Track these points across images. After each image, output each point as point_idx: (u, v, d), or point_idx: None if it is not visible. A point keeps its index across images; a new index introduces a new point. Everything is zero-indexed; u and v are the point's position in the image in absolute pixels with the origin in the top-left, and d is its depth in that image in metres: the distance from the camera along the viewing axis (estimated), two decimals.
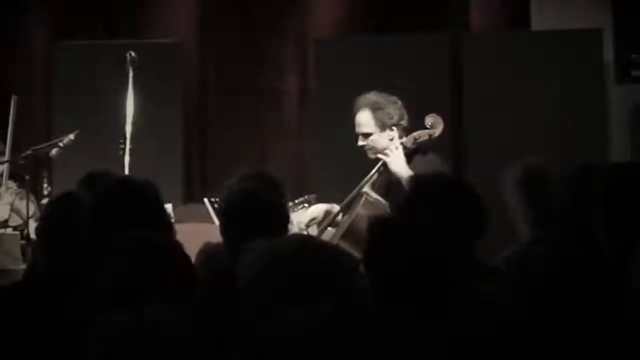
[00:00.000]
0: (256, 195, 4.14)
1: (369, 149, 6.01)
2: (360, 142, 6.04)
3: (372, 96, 6.05)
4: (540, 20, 8.25)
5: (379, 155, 5.94)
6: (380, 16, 8.46)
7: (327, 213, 6.12)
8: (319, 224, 6.11)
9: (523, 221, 4.70)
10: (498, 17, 8.42)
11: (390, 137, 5.99)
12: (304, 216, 6.05)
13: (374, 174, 5.98)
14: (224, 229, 4.12)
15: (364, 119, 6.02)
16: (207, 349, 2.22)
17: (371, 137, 6.00)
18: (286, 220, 4.32)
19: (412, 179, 5.47)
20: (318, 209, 6.13)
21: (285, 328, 1.80)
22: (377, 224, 3.21)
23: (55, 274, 3.70)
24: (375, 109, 6.00)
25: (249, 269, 2.46)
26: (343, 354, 1.75)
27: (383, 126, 5.99)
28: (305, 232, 5.99)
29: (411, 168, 5.82)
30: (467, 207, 3.72)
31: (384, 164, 5.91)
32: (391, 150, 5.89)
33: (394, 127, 6.00)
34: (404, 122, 6.03)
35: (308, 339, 1.76)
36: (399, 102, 6.05)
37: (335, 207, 6.14)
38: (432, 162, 5.89)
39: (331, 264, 2.44)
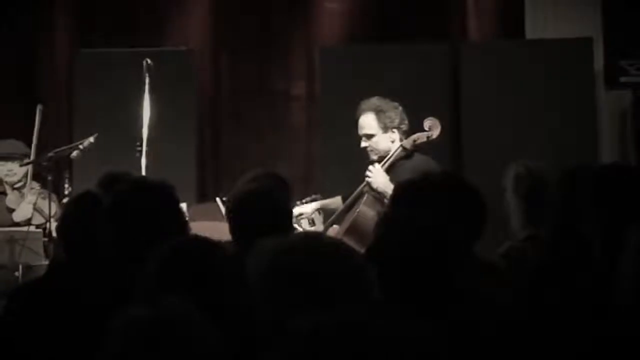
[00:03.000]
0: (264, 195, 4.13)
1: (371, 150, 6.04)
2: (363, 144, 6.06)
3: (375, 100, 6.08)
4: (534, 29, 8.25)
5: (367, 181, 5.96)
6: (382, 26, 8.47)
7: (319, 210, 6.15)
8: (310, 220, 6.14)
9: (518, 219, 4.70)
10: (494, 27, 8.42)
11: (392, 139, 6.02)
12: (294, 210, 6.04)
13: (362, 188, 5.99)
14: (233, 227, 4.10)
15: (367, 122, 6.05)
16: (219, 342, 2.22)
17: (373, 139, 6.03)
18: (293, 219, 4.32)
19: (410, 179, 5.49)
20: (310, 207, 6.17)
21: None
22: (381, 221, 3.20)
23: (73, 271, 3.70)
24: (378, 112, 6.02)
25: (258, 268, 2.44)
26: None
27: (385, 128, 6.01)
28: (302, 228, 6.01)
29: (408, 168, 5.83)
30: (467, 205, 3.70)
31: (368, 184, 5.93)
32: (370, 171, 5.92)
33: (395, 130, 6.02)
34: (404, 126, 6.05)
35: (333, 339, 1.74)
36: (400, 107, 6.08)
37: (333, 202, 6.17)
38: (429, 163, 5.90)
39: (341, 262, 2.42)
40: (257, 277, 2.42)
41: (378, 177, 5.89)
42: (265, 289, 2.38)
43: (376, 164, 5.95)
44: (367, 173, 5.95)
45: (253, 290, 2.42)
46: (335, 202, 6.27)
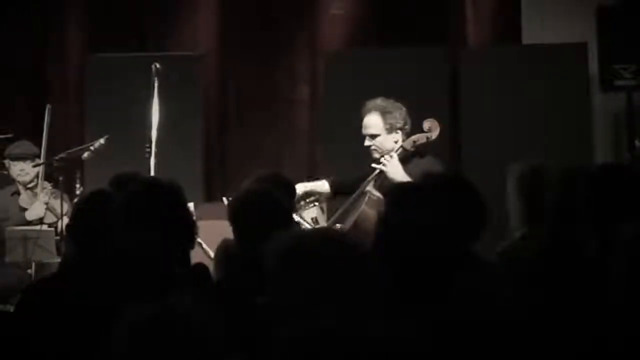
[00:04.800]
0: (264, 196, 4.11)
1: (374, 150, 6.03)
2: (367, 143, 6.05)
3: (381, 101, 6.07)
4: (531, 34, 8.26)
5: (375, 165, 5.95)
6: (384, 31, 8.47)
7: (308, 194, 6.12)
8: (305, 201, 6.11)
9: (516, 217, 4.69)
10: (492, 32, 8.43)
11: (395, 140, 6.02)
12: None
13: (372, 178, 5.98)
14: (235, 228, 4.07)
15: (373, 121, 6.03)
16: (222, 336, 2.21)
17: (378, 139, 6.02)
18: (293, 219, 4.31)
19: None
20: (299, 187, 6.02)
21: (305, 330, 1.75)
22: (381, 221, 3.18)
23: (84, 269, 3.70)
24: (384, 112, 6.02)
25: (273, 256, 2.39)
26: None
27: (390, 129, 6.01)
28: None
29: (410, 169, 5.83)
30: (468, 206, 3.68)
31: (381, 172, 5.92)
32: (387, 160, 5.91)
33: (399, 131, 6.02)
34: (407, 127, 6.05)
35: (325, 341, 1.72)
36: (404, 109, 6.07)
37: (319, 185, 6.15)
38: (430, 163, 5.90)
39: (349, 250, 2.39)
40: (272, 265, 2.39)
41: (394, 167, 5.88)
42: (278, 275, 2.35)
43: (393, 154, 5.94)
44: (383, 161, 5.92)
45: (268, 280, 2.39)
46: (322, 186, 6.23)
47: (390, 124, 6.00)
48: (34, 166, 7.35)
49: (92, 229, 3.78)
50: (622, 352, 2.57)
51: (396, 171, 5.86)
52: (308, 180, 6.36)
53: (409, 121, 6.05)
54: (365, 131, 6.06)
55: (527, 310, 2.80)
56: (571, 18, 8.07)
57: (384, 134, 6.02)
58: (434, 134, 6.03)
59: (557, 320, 2.75)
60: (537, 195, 4.56)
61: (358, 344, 1.71)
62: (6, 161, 7.49)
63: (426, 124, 6.05)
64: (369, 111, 6.05)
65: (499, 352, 2.71)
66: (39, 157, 7.40)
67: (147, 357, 2.13)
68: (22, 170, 7.43)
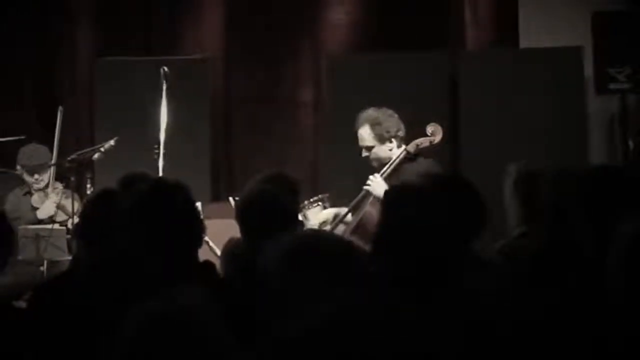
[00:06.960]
0: (269, 197, 4.10)
1: (372, 159, 6.03)
2: (364, 154, 6.06)
3: (370, 112, 6.05)
4: (528, 38, 8.25)
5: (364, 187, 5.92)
6: (385, 36, 8.46)
7: (336, 215, 6.14)
8: (330, 223, 6.13)
9: (514, 217, 4.67)
10: (490, 36, 8.42)
11: (390, 148, 6.01)
12: (316, 219, 6.06)
13: (361, 196, 5.98)
14: (241, 228, 4.06)
15: (365, 134, 6.04)
16: (228, 333, 2.19)
17: (373, 150, 6.02)
18: (297, 218, 4.30)
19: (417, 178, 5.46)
20: (328, 213, 6.16)
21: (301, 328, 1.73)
22: (382, 221, 3.16)
23: (93, 267, 3.69)
24: (374, 124, 6.00)
25: (270, 265, 2.39)
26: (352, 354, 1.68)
27: (382, 140, 6.00)
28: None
29: (412, 171, 5.81)
30: (468, 206, 3.66)
31: (368, 192, 5.92)
32: (372, 180, 5.90)
33: (392, 139, 6.00)
34: (401, 133, 6.03)
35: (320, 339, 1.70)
36: (396, 115, 6.05)
37: (342, 210, 6.15)
38: (432, 166, 5.88)
39: (348, 258, 2.38)
40: (271, 265, 2.37)
41: (378, 187, 5.85)
42: (277, 275, 2.34)
43: (376, 175, 5.93)
44: (368, 182, 5.93)
45: (267, 285, 2.37)
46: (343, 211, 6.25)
47: (381, 134, 5.99)
48: (47, 167, 7.33)
49: (99, 228, 3.77)
50: (622, 352, 2.54)
51: (378, 190, 5.83)
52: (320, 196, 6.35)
53: (402, 127, 6.04)
54: (360, 144, 6.07)
55: (527, 310, 2.78)
56: (567, 22, 8.05)
57: (377, 145, 6.01)
58: (437, 138, 6.02)
59: (556, 319, 2.73)
60: (534, 196, 4.54)
61: (357, 344, 1.69)
62: (19, 167, 7.45)
63: (429, 128, 6.05)
64: (360, 124, 6.06)
65: (499, 351, 2.69)
66: (51, 160, 7.39)
67: (148, 356, 2.11)
68: (37, 179, 7.41)
